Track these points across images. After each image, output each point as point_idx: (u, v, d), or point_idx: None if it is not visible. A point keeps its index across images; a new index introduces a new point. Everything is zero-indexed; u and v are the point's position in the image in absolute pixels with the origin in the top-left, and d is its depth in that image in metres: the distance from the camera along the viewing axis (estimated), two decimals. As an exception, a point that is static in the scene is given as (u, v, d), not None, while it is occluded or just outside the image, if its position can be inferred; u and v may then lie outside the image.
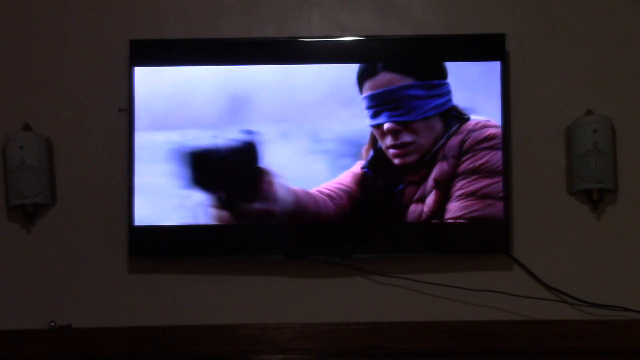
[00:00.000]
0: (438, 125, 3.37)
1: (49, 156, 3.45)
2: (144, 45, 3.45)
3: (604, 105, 3.44)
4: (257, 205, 3.34)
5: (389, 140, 3.37)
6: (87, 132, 3.48)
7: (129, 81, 3.42)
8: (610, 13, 3.49)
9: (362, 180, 3.37)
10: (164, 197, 3.36)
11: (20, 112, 3.48)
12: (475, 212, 3.33)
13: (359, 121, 3.37)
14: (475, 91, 3.38)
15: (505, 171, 3.36)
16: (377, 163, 3.37)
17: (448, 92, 3.37)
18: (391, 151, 3.37)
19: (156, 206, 3.36)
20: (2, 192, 3.44)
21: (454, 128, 3.35)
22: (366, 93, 3.38)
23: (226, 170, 3.37)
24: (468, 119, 3.36)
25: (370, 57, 3.40)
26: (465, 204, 3.33)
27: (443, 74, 3.38)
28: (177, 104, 3.39)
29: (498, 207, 3.34)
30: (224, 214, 3.35)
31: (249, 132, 3.36)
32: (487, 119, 3.36)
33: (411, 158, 3.37)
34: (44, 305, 3.42)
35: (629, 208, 3.42)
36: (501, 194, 3.34)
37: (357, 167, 3.37)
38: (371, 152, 3.37)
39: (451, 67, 3.38)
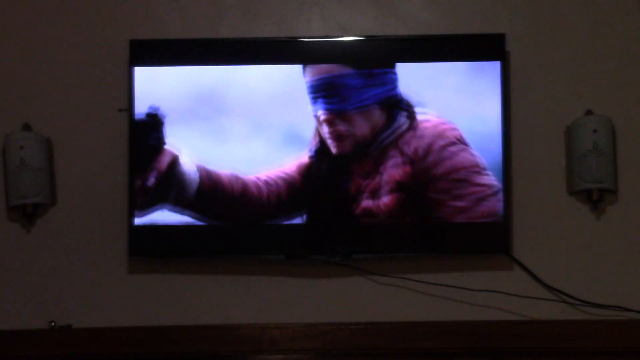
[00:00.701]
0: (376, 114, 3.35)
1: (49, 156, 3.45)
2: (144, 45, 3.44)
3: (604, 105, 3.44)
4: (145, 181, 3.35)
5: (325, 129, 3.36)
6: (87, 132, 3.48)
7: (129, 81, 3.42)
8: (610, 13, 3.49)
9: (307, 168, 3.35)
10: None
11: (20, 112, 3.48)
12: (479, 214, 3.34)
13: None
14: (475, 91, 3.38)
15: (505, 171, 3.36)
16: (322, 151, 3.36)
17: (392, 81, 3.36)
18: (329, 140, 3.36)
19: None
20: (2, 192, 3.44)
21: (404, 123, 3.33)
22: (307, 79, 3.38)
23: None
24: (413, 112, 3.34)
25: (370, 57, 3.40)
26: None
27: (389, 63, 3.37)
28: (177, 103, 3.39)
29: (498, 207, 3.34)
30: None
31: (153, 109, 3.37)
32: (438, 116, 3.34)
33: (347, 147, 3.35)
34: (44, 305, 3.42)
35: (629, 208, 3.42)
36: (490, 191, 3.33)
37: (304, 156, 3.36)
38: (317, 140, 3.37)
39: (451, 67, 3.38)
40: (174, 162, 3.36)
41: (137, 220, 3.37)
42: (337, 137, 3.36)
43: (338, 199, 3.36)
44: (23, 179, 3.38)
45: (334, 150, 3.36)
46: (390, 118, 3.35)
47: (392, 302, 3.40)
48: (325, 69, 3.38)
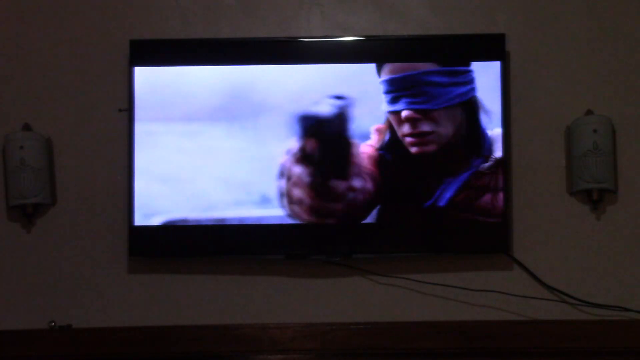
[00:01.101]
0: (459, 115, 3.34)
1: (49, 156, 3.45)
2: (144, 45, 3.45)
3: (604, 105, 3.44)
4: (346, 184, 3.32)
5: (406, 128, 3.34)
6: (87, 132, 3.48)
7: (129, 81, 3.42)
8: (610, 13, 3.49)
9: (380, 163, 3.34)
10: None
11: (20, 112, 3.48)
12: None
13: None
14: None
15: (505, 171, 3.36)
16: (394, 149, 3.34)
17: (471, 81, 3.35)
18: (408, 139, 3.34)
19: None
20: (2, 192, 3.44)
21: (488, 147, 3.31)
22: (385, 77, 3.36)
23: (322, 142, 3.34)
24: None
25: (370, 57, 3.40)
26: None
27: (466, 61, 3.35)
28: (177, 103, 3.39)
29: (498, 207, 3.35)
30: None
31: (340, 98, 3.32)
32: None
33: (430, 147, 3.34)
34: (44, 305, 3.42)
35: (629, 208, 3.42)
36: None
37: (367, 148, 3.35)
38: (387, 136, 3.35)
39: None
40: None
41: (137, 221, 3.37)
42: (419, 136, 3.33)
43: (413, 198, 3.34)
44: (23, 179, 3.39)
45: (412, 150, 3.34)
46: (473, 119, 3.33)
47: (392, 302, 3.40)
48: (407, 65, 3.34)
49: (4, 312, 3.41)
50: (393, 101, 3.35)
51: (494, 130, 3.34)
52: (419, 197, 3.33)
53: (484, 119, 3.34)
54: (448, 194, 3.33)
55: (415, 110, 3.34)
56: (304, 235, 3.37)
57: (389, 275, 3.40)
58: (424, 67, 3.35)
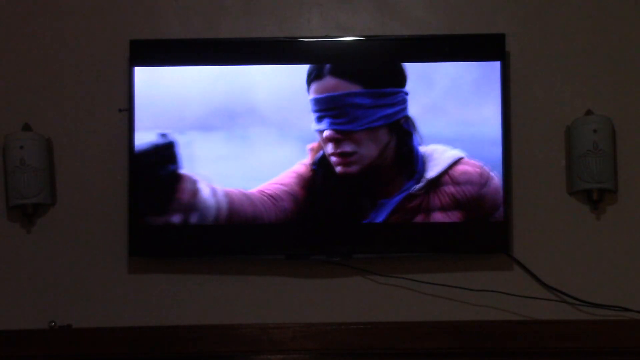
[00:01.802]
0: (385, 136, 3.34)
1: (49, 156, 3.45)
2: (144, 45, 3.44)
3: (604, 105, 3.44)
4: (173, 218, 3.33)
5: (329, 148, 3.34)
6: (87, 132, 3.48)
7: (129, 81, 3.42)
8: (610, 13, 3.49)
9: (309, 179, 3.34)
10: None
11: (20, 112, 3.48)
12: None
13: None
14: (475, 91, 3.38)
15: (505, 171, 3.36)
16: (324, 166, 3.35)
17: (402, 102, 3.34)
18: (333, 159, 3.35)
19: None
20: (2, 192, 3.44)
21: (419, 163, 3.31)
22: (312, 96, 3.36)
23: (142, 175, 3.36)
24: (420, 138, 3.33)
25: (370, 57, 3.40)
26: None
27: (399, 82, 3.35)
28: (177, 104, 3.39)
29: (498, 207, 3.35)
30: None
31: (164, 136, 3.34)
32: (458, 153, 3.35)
33: (353, 168, 3.34)
34: (44, 305, 3.42)
35: (629, 208, 3.42)
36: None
37: (299, 167, 3.36)
38: (320, 153, 3.35)
39: (450, 67, 3.38)
40: (196, 190, 3.35)
41: (137, 221, 3.37)
42: (342, 156, 3.34)
43: (344, 217, 3.35)
44: (23, 179, 3.38)
45: (338, 169, 3.34)
46: (401, 141, 3.34)
47: (392, 302, 3.40)
48: (332, 85, 3.36)
49: (4, 312, 3.41)
50: (319, 120, 3.35)
51: (428, 147, 3.33)
52: (350, 216, 3.34)
53: (416, 139, 3.33)
54: (381, 217, 3.33)
55: (336, 131, 3.34)
56: (304, 235, 3.37)
57: (389, 275, 3.40)
58: (348, 89, 3.34)
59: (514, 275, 3.40)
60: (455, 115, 3.37)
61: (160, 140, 3.34)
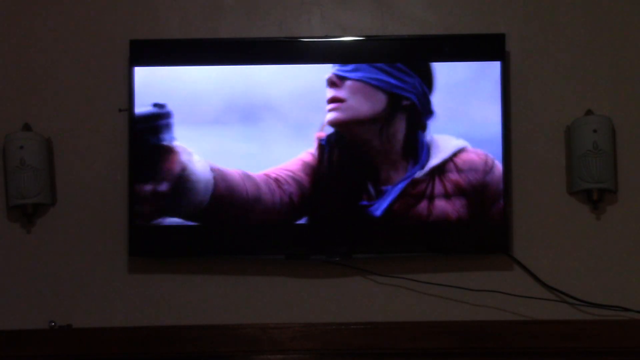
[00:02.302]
0: (380, 101, 3.35)
1: (49, 156, 3.45)
2: (144, 45, 3.44)
3: (604, 105, 3.44)
4: (153, 186, 3.34)
5: (328, 94, 3.37)
6: (87, 132, 3.48)
7: (129, 81, 3.42)
8: (610, 13, 3.49)
9: (314, 166, 3.34)
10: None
11: (20, 112, 3.48)
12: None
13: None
14: (475, 91, 3.38)
15: (505, 171, 3.36)
16: (331, 144, 3.35)
17: (411, 85, 3.35)
18: (327, 106, 3.36)
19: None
20: (2, 192, 3.44)
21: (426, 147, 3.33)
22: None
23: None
24: (424, 128, 3.34)
25: (370, 57, 3.40)
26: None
27: (411, 65, 3.36)
28: (177, 104, 3.39)
29: (498, 207, 3.35)
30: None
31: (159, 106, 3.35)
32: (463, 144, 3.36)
33: (340, 115, 3.35)
34: (44, 305, 3.42)
35: (629, 208, 3.42)
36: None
37: (306, 155, 3.36)
38: (330, 130, 3.36)
39: (450, 67, 3.38)
40: (187, 163, 3.35)
41: (137, 221, 3.37)
42: (333, 101, 3.35)
43: (348, 204, 3.35)
44: (23, 179, 3.38)
45: (328, 118, 3.34)
46: (406, 125, 3.34)
47: (392, 302, 3.40)
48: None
49: (4, 312, 3.41)
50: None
51: (433, 135, 3.34)
52: (354, 202, 3.35)
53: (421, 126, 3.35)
54: (385, 203, 3.33)
55: (336, 75, 3.36)
56: (304, 235, 3.37)
57: (389, 275, 3.40)
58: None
59: (514, 275, 3.40)
60: (455, 115, 3.36)
61: (155, 110, 3.35)
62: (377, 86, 3.35)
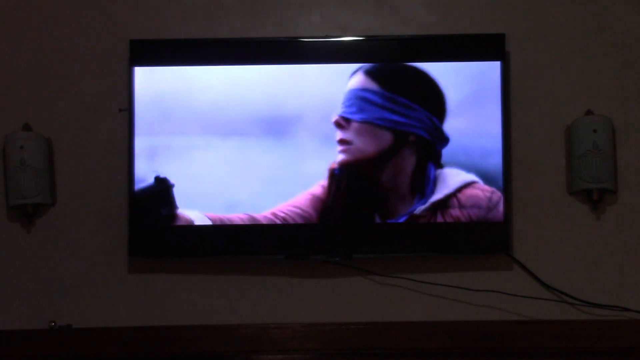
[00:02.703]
0: (386, 139, 3.35)
1: (49, 156, 3.45)
2: (144, 45, 3.45)
3: (604, 105, 3.44)
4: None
5: (337, 136, 3.37)
6: (87, 132, 3.48)
7: (129, 81, 3.42)
8: (610, 13, 3.49)
9: (324, 200, 3.34)
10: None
11: (20, 112, 3.48)
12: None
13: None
14: (475, 91, 3.38)
15: (505, 171, 3.36)
16: (341, 178, 3.36)
17: (417, 119, 3.34)
18: (338, 148, 3.37)
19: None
20: (2, 192, 3.44)
21: (432, 176, 3.33)
22: (347, 88, 3.39)
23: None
24: (441, 166, 3.34)
25: (370, 57, 3.40)
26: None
27: (415, 98, 3.35)
28: (177, 104, 3.39)
29: (498, 207, 3.35)
30: None
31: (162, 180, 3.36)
32: (472, 179, 3.35)
33: (347, 157, 3.35)
34: (44, 305, 3.42)
35: (629, 208, 3.42)
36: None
37: (317, 188, 3.36)
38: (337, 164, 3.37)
39: (449, 67, 3.38)
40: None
41: (137, 221, 3.37)
42: (341, 143, 3.36)
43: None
44: (23, 179, 3.39)
45: (339, 159, 3.35)
46: (420, 160, 3.35)
47: (392, 302, 3.40)
48: (358, 81, 3.37)
49: (4, 312, 3.41)
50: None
51: (443, 170, 3.34)
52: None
53: (430, 161, 3.35)
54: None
55: (342, 117, 3.36)
56: (304, 235, 3.37)
57: (389, 275, 3.40)
58: (366, 85, 3.35)
59: (514, 275, 3.40)
60: (455, 115, 3.36)
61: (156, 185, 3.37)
62: (382, 125, 3.35)
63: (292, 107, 3.38)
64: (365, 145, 3.36)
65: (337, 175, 3.35)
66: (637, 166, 3.43)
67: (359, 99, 3.36)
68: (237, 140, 3.38)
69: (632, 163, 3.43)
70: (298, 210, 3.34)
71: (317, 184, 3.36)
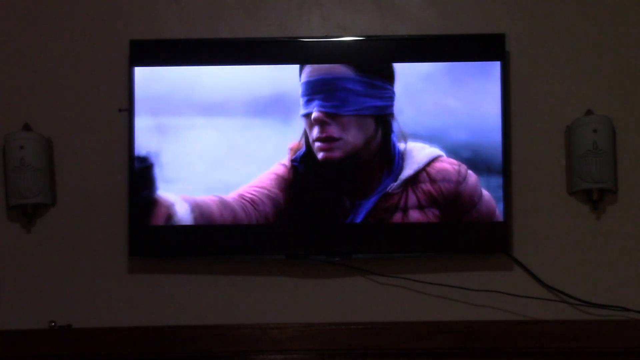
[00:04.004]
0: (371, 128, 3.34)
1: (49, 156, 3.45)
2: (144, 45, 3.44)
3: (604, 105, 3.44)
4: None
5: (315, 132, 3.34)
6: (87, 132, 3.48)
7: (129, 81, 3.42)
8: (610, 13, 3.49)
9: (288, 180, 3.33)
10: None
11: (20, 112, 3.48)
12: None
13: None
14: (475, 92, 3.38)
15: (505, 171, 3.36)
16: (305, 162, 3.34)
17: (390, 98, 3.34)
18: (317, 144, 3.35)
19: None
20: (2, 192, 3.44)
21: (398, 158, 3.31)
22: (304, 79, 3.36)
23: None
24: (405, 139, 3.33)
25: (370, 57, 3.40)
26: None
27: (389, 78, 3.35)
28: (177, 104, 3.39)
29: (497, 207, 3.35)
30: None
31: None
32: (435, 152, 3.34)
33: (336, 154, 3.33)
34: (44, 305, 3.42)
35: (629, 208, 3.42)
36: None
37: (278, 167, 3.35)
38: (303, 149, 3.35)
39: (449, 67, 3.38)
40: (170, 214, 3.36)
41: (137, 221, 3.37)
42: (327, 141, 3.34)
43: (325, 212, 3.35)
44: (23, 179, 3.39)
45: (320, 155, 3.34)
46: (385, 137, 3.34)
47: (392, 302, 3.40)
48: (325, 68, 3.36)
49: (4, 312, 3.41)
50: (307, 103, 3.35)
51: (407, 144, 3.33)
52: (331, 216, 3.34)
53: (395, 137, 3.33)
54: (359, 217, 3.33)
55: (325, 113, 3.34)
56: (304, 235, 3.37)
57: (389, 275, 3.40)
58: (341, 73, 3.34)
59: (514, 275, 3.40)
60: (455, 115, 3.37)
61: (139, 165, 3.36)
62: (368, 115, 3.34)
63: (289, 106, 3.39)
64: (356, 139, 3.35)
65: (303, 171, 3.33)
66: (637, 166, 3.43)
67: (338, 90, 3.34)
68: (236, 138, 3.38)
69: (632, 163, 3.43)
70: (265, 191, 3.33)
71: (278, 163, 3.34)
